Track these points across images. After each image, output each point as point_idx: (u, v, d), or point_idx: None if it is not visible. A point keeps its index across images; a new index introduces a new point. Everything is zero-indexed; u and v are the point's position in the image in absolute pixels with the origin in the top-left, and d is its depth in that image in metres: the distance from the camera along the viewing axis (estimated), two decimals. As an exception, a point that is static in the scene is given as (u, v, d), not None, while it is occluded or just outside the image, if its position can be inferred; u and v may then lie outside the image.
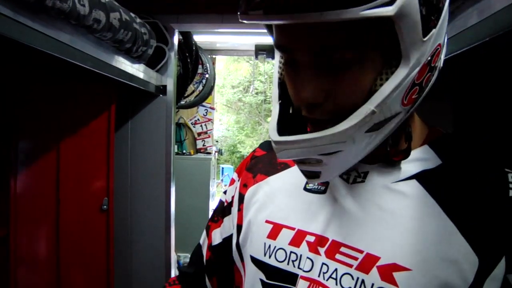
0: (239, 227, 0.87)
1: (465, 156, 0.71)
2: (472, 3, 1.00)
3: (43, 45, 1.15)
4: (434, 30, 0.59)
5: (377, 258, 0.65)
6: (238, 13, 0.60)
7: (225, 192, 0.96)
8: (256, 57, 4.66)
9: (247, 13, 0.57)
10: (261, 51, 4.46)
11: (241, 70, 12.67)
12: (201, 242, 0.98)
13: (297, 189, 0.79)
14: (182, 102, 4.48)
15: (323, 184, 0.76)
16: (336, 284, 0.67)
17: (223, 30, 2.76)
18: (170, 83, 2.39)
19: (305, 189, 0.78)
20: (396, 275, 0.63)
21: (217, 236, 0.93)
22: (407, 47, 0.57)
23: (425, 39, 0.58)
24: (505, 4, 0.86)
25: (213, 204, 5.06)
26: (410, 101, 0.62)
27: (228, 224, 0.92)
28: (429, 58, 0.61)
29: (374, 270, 0.64)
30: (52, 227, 1.95)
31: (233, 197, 0.92)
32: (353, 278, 0.66)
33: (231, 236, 0.90)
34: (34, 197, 1.93)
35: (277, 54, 0.72)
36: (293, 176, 0.81)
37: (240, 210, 0.88)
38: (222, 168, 10.51)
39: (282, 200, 0.80)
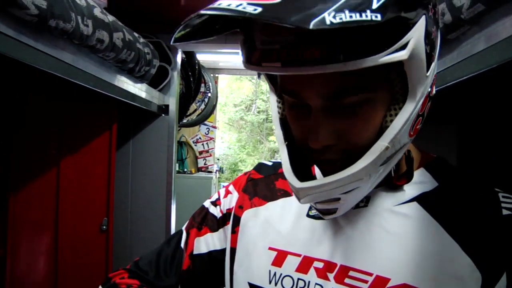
0: (232, 250, 0.84)
1: (458, 178, 0.74)
2: (479, 29, 1.00)
3: (45, 65, 1.14)
4: (433, 64, 0.62)
5: (387, 280, 0.66)
6: (244, 62, 0.59)
7: (214, 203, 0.91)
8: (259, 77, 4.70)
9: (259, 64, 0.56)
10: (264, 70, 4.49)
11: (244, 89, 12.73)
12: (182, 245, 0.90)
13: (299, 215, 0.79)
14: (184, 121, 4.48)
15: None
16: None
17: (227, 50, 2.77)
18: (172, 102, 2.38)
19: (308, 215, 0.78)
20: None
21: (202, 246, 0.88)
22: (415, 84, 0.59)
23: (428, 74, 0.60)
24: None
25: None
26: (415, 132, 0.65)
27: (219, 238, 0.88)
28: (429, 89, 0.64)
29: None
30: (51, 247, 1.92)
31: (228, 210, 0.88)
32: None
33: (220, 252, 0.86)
34: (32, 216, 1.90)
35: (273, 95, 0.72)
36: (293, 203, 0.81)
37: (235, 232, 0.85)
38: (223, 186, 10.49)
39: (284, 227, 0.79)
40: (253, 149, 13.81)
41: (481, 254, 0.64)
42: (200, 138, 5.60)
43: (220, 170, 7.06)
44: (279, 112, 0.71)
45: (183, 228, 0.93)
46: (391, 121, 0.61)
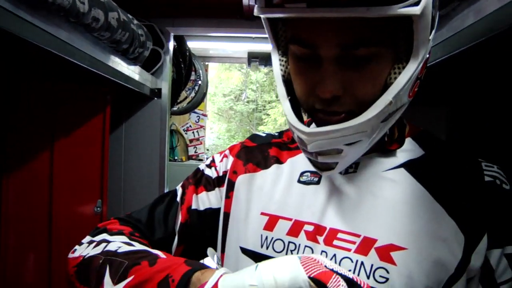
0: (226, 215, 0.86)
1: (444, 148, 0.78)
2: (468, 4, 1.03)
3: (41, 41, 1.15)
4: (433, 31, 0.66)
5: (375, 240, 0.69)
6: (263, 5, 0.62)
7: (208, 166, 0.93)
8: (249, 65, 4.69)
9: (281, 6, 0.60)
10: (254, 58, 4.49)
11: (233, 79, 12.72)
12: (178, 199, 0.90)
13: (291, 182, 0.81)
14: (175, 108, 4.46)
15: (316, 175, 0.79)
16: None
17: (219, 34, 2.78)
18: (165, 86, 2.39)
19: (299, 181, 0.80)
20: (394, 254, 0.67)
21: (199, 203, 0.89)
22: (419, 44, 0.62)
23: (430, 38, 0.64)
24: (499, 6, 0.88)
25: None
26: (413, 94, 0.69)
27: (216, 197, 0.89)
28: (427, 55, 0.68)
29: (373, 251, 0.68)
30: (45, 228, 1.93)
31: (224, 172, 0.90)
32: (352, 261, 0.69)
33: (216, 210, 0.88)
34: (27, 198, 1.91)
35: (275, 54, 0.75)
36: (286, 170, 0.84)
37: (229, 198, 0.87)
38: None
39: (276, 193, 0.82)
40: (243, 139, 13.78)
41: (465, 217, 0.68)
42: (190, 126, 5.59)
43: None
44: (281, 70, 0.74)
45: (177, 187, 0.92)
46: (395, 78, 0.64)
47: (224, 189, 0.89)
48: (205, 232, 0.88)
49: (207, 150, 6.90)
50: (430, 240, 0.67)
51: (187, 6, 2.28)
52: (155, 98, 2.37)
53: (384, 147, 0.76)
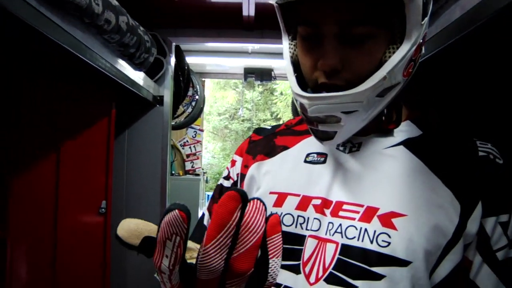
0: None
1: (441, 128, 0.85)
2: (454, 1, 1.12)
3: (59, 38, 1.23)
4: (426, 18, 0.73)
5: (377, 209, 0.75)
6: None
7: (226, 178, 1.00)
8: (245, 80, 4.79)
9: None
10: (250, 74, 4.59)
11: (228, 98, 12.83)
12: (205, 222, 1.00)
13: (297, 162, 0.88)
14: (172, 123, 4.54)
15: (322, 156, 0.86)
16: (342, 237, 0.76)
17: (219, 45, 2.88)
18: (167, 94, 2.47)
19: (305, 161, 0.87)
20: (395, 220, 0.73)
21: None
22: (411, 27, 0.70)
23: (422, 22, 0.72)
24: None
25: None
26: (407, 74, 0.76)
27: None
28: (421, 40, 0.75)
29: (375, 219, 0.74)
30: (51, 228, 1.98)
31: (237, 174, 0.97)
32: (356, 229, 0.75)
33: None
34: (33, 199, 1.96)
35: (286, 39, 0.84)
36: (292, 153, 0.91)
37: (241, 187, 0.95)
38: (208, 195, 10.48)
39: (283, 173, 0.88)
40: (238, 158, 13.86)
41: (460, 187, 0.75)
42: (187, 141, 5.66)
43: (206, 181, 7.10)
44: (290, 52, 0.82)
45: (204, 210, 1.02)
46: (389, 57, 0.72)
47: (237, 186, 0.96)
48: None
49: (202, 169, 6.95)
50: (428, 208, 0.73)
51: (188, 17, 2.38)
52: (157, 106, 2.45)
53: (382, 127, 0.83)
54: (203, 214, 1.02)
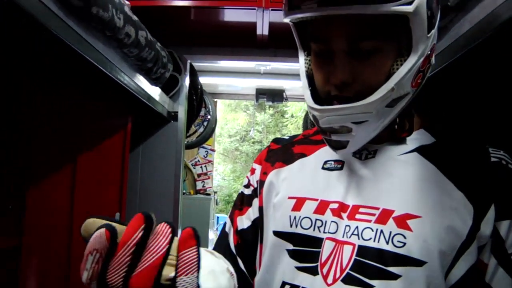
0: (260, 209, 0.97)
1: (454, 136, 0.89)
2: (463, 14, 1.16)
3: (84, 49, 1.28)
4: (433, 31, 0.78)
5: (392, 211, 0.78)
6: (286, 9, 0.78)
7: (246, 186, 1.05)
8: (257, 100, 4.85)
9: (299, 7, 0.76)
10: (262, 94, 4.65)
11: (239, 120, 12.94)
12: (226, 229, 1.03)
13: (315, 169, 0.92)
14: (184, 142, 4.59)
15: (339, 163, 0.89)
16: (359, 239, 0.79)
17: (232, 64, 2.94)
18: (181, 110, 2.52)
19: (323, 168, 0.91)
20: (410, 222, 0.76)
21: (245, 221, 1.00)
22: (417, 40, 0.75)
23: (428, 35, 0.76)
24: (488, 11, 1.01)
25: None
26: (416, 84, 0.80)
27: (256, 207, 1.00)
28: (429, 52, 0.79)
29: (391, 220, 0.77)
30: (65, 238, 2.01)
31: (257, 181, 1.02)
32: (372, 230, 0.78)
33: (259, 217, 0.98)
34: (48, 208, 1.99)
35: (301, 54, 0.89)
36: (310, 161, 0.95)
37: (260, 194, 0.98)
38: (218, 217, 10.46)
39: (302, 179, 0.92)
40: (248, 180, 13.88)
41: (472, 190, 0.78)
42: (198, 160, 5.72)
43: (216, 202, 7.12)
44: (305, 67, 0.88)
45: (226, 219, 1.06)
46: (397, 69, 0.76)
47: (258, 192, 1.00)
48: (257, 242, 0.97)
49: (214, 192, 6.97)
50: (442, 210, 0.76)
51: (203, 35, 2.44)
52: (172, 121, 2.50)
53: (396, 136, 0.86)
54: (225, 223, 1.05)
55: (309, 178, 0.91)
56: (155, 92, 2.07)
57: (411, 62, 0.76)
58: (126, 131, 2.07)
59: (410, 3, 0.70)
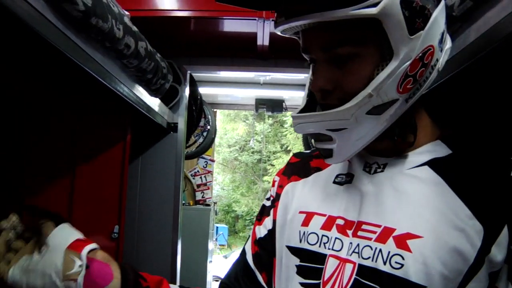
0: (274, 222, 0.97)
1: (474, 147, 0.82)
2: (468, 25, 1.14)
3: (83, 61, 1.26)
4: (421, 32, 0.72)
5: (393, 230, 0.74)
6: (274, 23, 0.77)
7: (268, 199, 1.04)
8: (257, 111, 4.84)
9: (276, 22, 0.75)
10: (262, 104, 4.64)
11: (238, 130, 12.93)
12: (245, 247, 1.03)
13: (326, 183, 0.91)
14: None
15: (348, 176, 0.87)
16: (359, 257, 0.76)
17: (232, 74, 2.93)
18: (181, 121, 2.50)
19: (334, 182, 0.89)
20: (410, 242, 0.72)
21: (262, 230, 0.99)
22: (396, 42, 0.70)
23: (412, 37, 0.71)
24: (495, 22, 1.00)
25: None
26: (405, 90, 0.74)
27: (271, 218, 0.99)
28: (420, 54, 0.73)
29: (390, 240, 0.73)
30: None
31: (275, 193, 1.01)
32: (372, 249, 0.75)
33: (272, 229, 0.97)
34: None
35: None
36: (323, 175, 0.94)
37: (275, 207, 0.98)
38: (217, 227, 10.43)
39: (314, 193, 0.91)
40: (247, 190, 13.84)
41: (483, 209, 0.71)
42: (198, 171, 5.68)
43: (215, 213, 7.09)
44: (310, 78, 0.86)
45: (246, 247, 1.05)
46: (377, 74, 0.72)
47: (273, 205, 1.00)
48: (274, 253, 0.96)
49: (214, 203, 6.94)
50: (447, 230, 0.71)
51: (203, 46, 2.43)
52: (171, 132, 2.47)
53: (399, 148, 0.83)
54: (244, 252, 1.03)
55: (320, 192, 0.90)
56: (154, 103, 2.05)
57: (391, 66, 0.71)
58: (126, 142, 2.04)
59: (375, 5, 0.66)
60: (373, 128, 0.76)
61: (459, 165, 0.79)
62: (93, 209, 2.04)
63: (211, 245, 5.22)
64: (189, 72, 2.54)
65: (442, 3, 0.77)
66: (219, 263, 8.37)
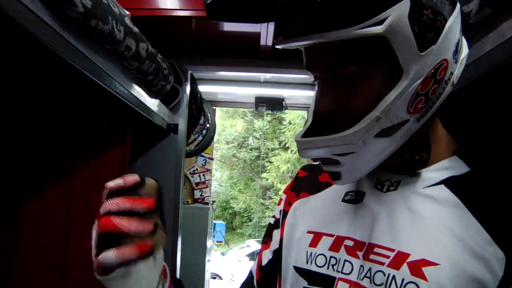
0: (281, 241, 0.93)
1: (494, 164, 0.77)
2: (485, 33, 1.10)
3: (81, 64, 1.21)
4: (433, 46, 0.66)
5: (407, 255, 0.69)
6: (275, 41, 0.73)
7: (273, 216, 1.01)
8: (256, 109, 4.79)
9: (275, 40, 0.71)
10: (261, 103, 4.60)
11: (236, 126, 12.87)
12: (252, 269, 1.02)
13: (335, 201, 0.86)
14: (183, 151, 4.52)
15: (359, 195, 0.83)
16: (371, 283, 0.72)
17: (233, 73, 2.89)
18: (181, 123, 2.45)
19: (343, 200, 0.85)
20: (425, 269, 0.67)
21: (267, 255, 0.97)
22: (405, 60, 0.65)
23: (422, 53, 0.65)
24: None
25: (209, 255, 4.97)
26: (416, 110, 0.69)
27: (276, 238, 0.96)
28: (433, 71, 0.68)
29: (405, 266, 0.69)
30: (60, 258, 1.93)
31: (280, 211, 0.98)
32: (384, 275, 0.70)
33: (279, 248, 0.94)
34: (43, 226, 1.91)
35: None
36: (333, 192, 0.89)
37: (282, 225, 0.94)
38: (214, 223, 10.43)
39: (322, 212, 0.87)
40: (245, 186, 13.80)
41: (505, 234, 0.66)
42: (197, 169, 5.63)
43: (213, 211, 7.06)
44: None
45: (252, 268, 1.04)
46: (386, 94, 0.67)
47: (279, 223, 0.96)
48: (277, 273, 0.93)
49: (211, 200, 6.89)
50: (465, 257, 0.66)
51: (205, 46, 2.38)
52: (171, 134, 2.43)
53: (413, 167, 0.77)
54: (251, 274, 1.02)
55: (328, 211, 0.86)
56: (154, 104, 2.00)
57: (401, 86, 0.66)
58: (126, 144, 2.00)
59: (381, 23, 0.61)
60: (383, 150, 0.71)
61: (477, 185, 0.73)
62: (92, 212, 1.99)
63: (209, 243, 5.19)
64: (190, 72, 2.49)
65: (457, 10, 0.71)
66: (217, 260, 8.35)
